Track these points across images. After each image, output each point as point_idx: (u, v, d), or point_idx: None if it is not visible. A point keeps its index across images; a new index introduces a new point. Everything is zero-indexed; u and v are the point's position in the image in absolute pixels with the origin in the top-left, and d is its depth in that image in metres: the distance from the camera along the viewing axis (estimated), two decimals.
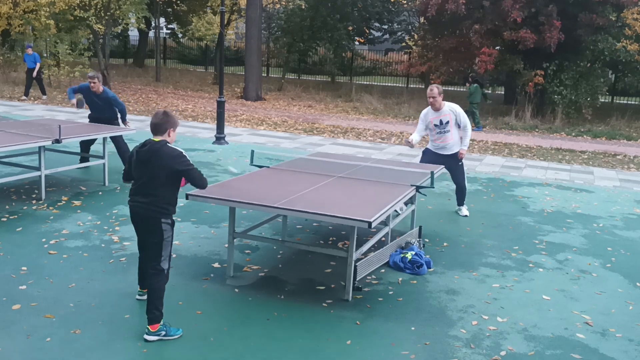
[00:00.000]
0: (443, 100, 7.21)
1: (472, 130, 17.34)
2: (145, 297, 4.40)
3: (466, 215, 7.54)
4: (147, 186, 3.99)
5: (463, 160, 7.43)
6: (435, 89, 7.11)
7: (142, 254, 4.34)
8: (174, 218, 4.09)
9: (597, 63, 18.74)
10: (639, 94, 25.30)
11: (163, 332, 3.98)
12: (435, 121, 7.20)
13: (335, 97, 23.30)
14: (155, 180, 3.96)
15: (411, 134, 7.42)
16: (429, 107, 7.25)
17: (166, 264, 4.06)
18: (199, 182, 4.06)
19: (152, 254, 4.06)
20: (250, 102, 20.63)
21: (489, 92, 22.59)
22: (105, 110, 8.69)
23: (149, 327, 3.95)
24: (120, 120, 8.88)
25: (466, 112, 8.12)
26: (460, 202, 7.68)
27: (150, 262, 4.06)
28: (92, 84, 8.42)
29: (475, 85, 17.12)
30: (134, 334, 3.99)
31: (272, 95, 23.06)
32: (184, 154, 4.01)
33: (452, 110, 7.22)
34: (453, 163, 7.36)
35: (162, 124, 4.01)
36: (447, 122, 7.18)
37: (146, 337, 3.94)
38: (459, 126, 7.28)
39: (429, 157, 7.43)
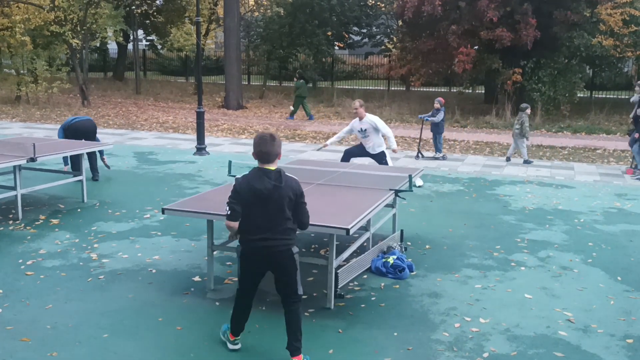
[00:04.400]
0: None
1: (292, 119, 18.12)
2: (239, 346, 4.04)
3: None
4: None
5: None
6: (357, 102, 8.86)
7: (253, 293, 3.99)
8: None
9: (574, 59, 18.95)
10: (617, 88, 25.60)
11: None
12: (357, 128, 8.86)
13: (317, 102, 23.28)
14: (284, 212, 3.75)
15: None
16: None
17: (301, 288, 3.88)
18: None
19: (288, 287, 3.84)
20: (232, 111, 20.55)
21: (469, 91, 22.73)
22: None
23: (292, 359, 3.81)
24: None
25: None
26: None
27: (289, 297, 3.84)
28: None
29: (302, 81, 19.10)
30: (112, 354, 3.93)
31: (253, 103, 23.00)
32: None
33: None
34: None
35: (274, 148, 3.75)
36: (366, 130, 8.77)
37: None
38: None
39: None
